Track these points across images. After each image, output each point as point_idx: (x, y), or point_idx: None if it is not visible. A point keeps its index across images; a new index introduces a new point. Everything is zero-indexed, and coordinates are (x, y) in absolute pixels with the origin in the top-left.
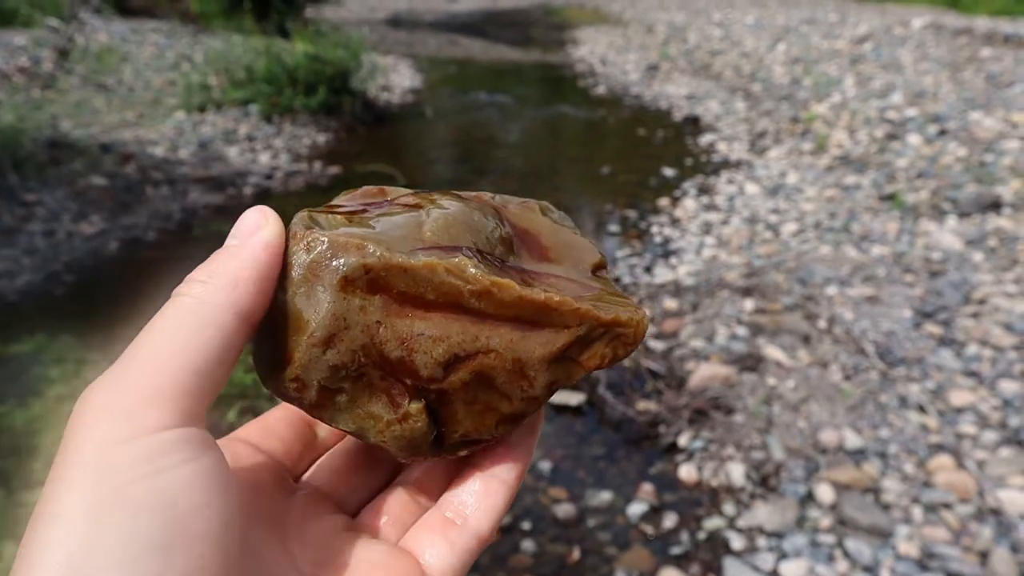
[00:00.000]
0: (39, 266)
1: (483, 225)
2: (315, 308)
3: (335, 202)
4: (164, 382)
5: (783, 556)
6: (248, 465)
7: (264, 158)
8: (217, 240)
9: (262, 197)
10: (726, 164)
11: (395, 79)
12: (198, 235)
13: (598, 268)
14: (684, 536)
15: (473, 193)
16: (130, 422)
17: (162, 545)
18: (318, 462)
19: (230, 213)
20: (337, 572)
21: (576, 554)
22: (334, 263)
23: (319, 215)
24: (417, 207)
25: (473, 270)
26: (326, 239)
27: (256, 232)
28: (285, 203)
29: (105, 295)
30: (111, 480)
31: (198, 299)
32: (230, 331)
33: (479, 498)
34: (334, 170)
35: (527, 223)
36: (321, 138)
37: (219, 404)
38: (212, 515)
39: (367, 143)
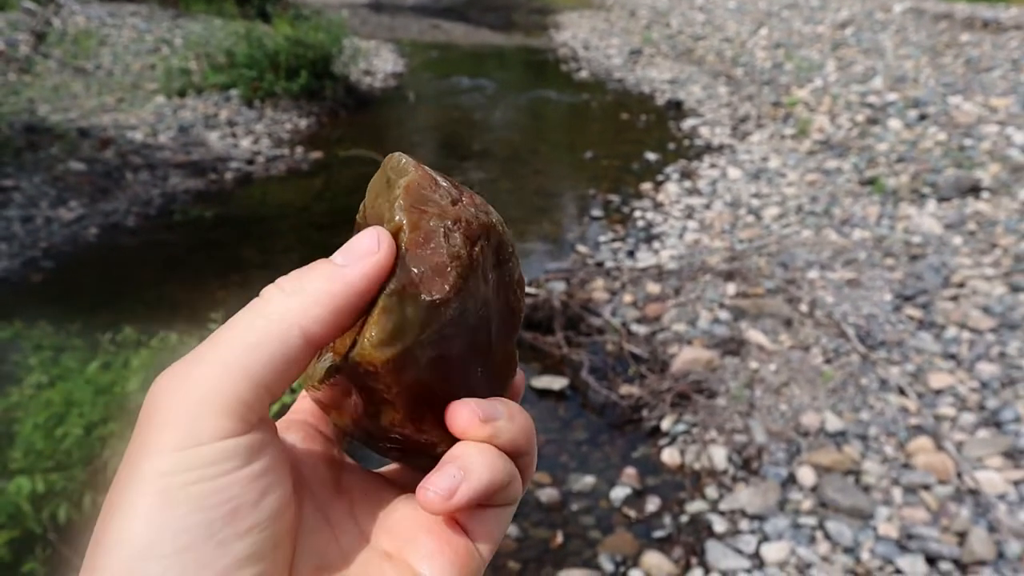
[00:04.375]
0: (17, 252)
1: None
2: None
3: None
4: (228, 391)
5: (765, 538)
6: (310, 445)
7: (245, 143)
8: (198, 226)
9: (244, 182)
10: (708, 148)
11: (377, 63)
12: (178, 220)
13: None
14: (667, 519)
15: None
16: (195, 429)
17: (219, 537)
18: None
19: (211, 198)
20: (401, 538)
21: (559, 538)
22: None
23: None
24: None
25: None
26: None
27: (365, 258)
28: (267, 188)
29: (84, 281)
30: (176, 480)
31: (275, 312)
32: (296, 350)
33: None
34: (316, 155)
35: None
36: (303, 123)
37: None
38: (265, 509)
39: (349, 127)
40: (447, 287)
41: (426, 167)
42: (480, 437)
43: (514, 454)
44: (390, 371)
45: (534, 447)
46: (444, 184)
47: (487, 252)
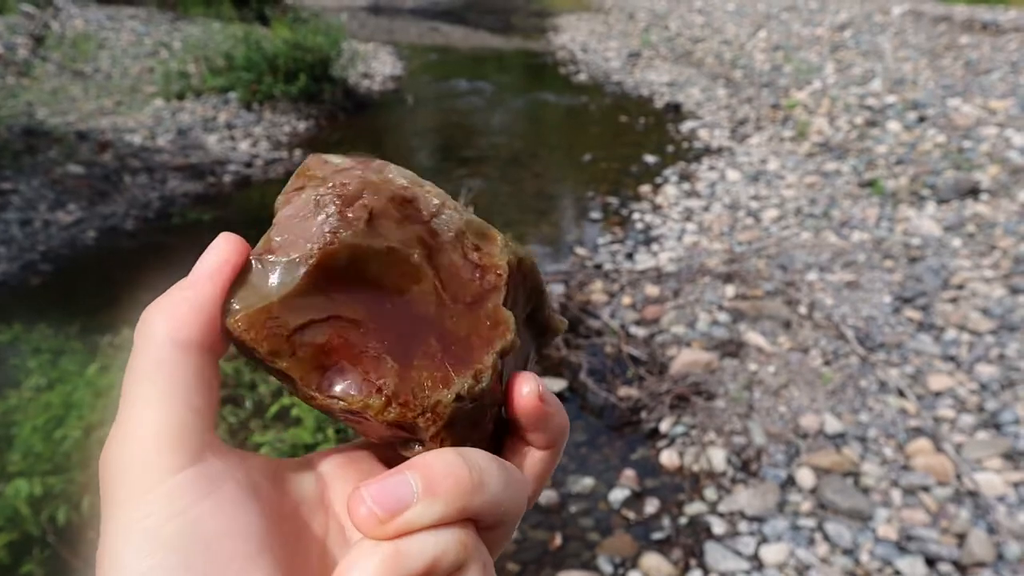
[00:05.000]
0: (15, 255)
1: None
2: None
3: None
4: (163, 430)
5: (764, 540)
6: (344, 461)
7: (244, 146)
8: (196, 229)
9: (242, 185)
10: (707, 151)
11: (376, 66)
12: (177, 223)
13: None
14: (666, 521)
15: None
16: (147, 473)
17: (201, 571)
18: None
19: (210, 201)
20: None
21: (558, 540)
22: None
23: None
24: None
25: None
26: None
27: (203, 261)
28: (265, 191)
29: (83, 284)
30: (145, 525)
31: (147, 336)
32: (197, 364)
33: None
34: None
35: None
36: (301, 126)
37: None
38: (239, 534)
39: (348, 130)
40: (311, 246)
41: (329, 155)
42: (387, 536)
43: (483, 520)
44: (256, 338)
45: (521, 507)
46: (336, 161)
47: (381, 209)
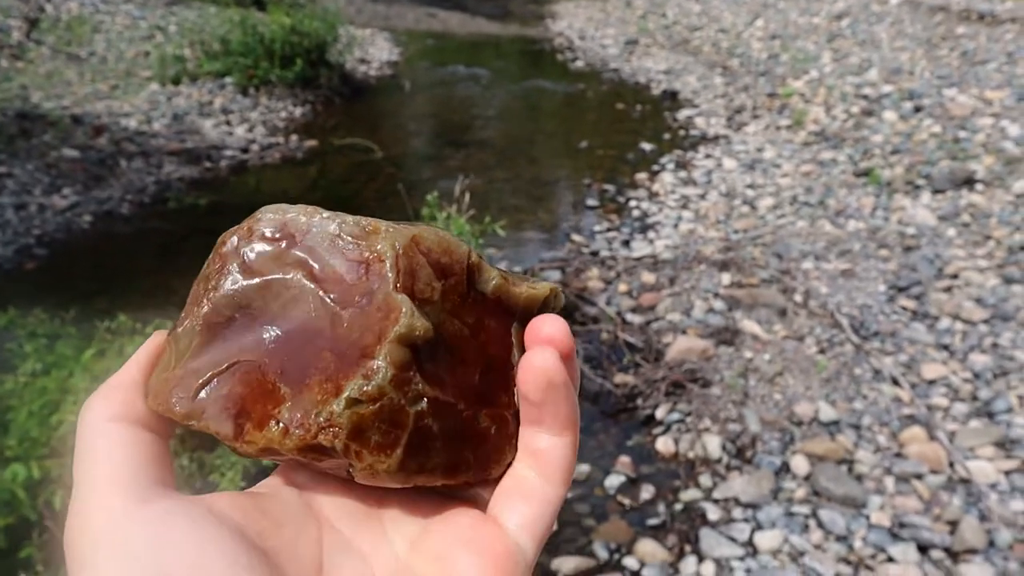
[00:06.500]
0: (10, 240)
1: None
2: None
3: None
4: (110, 485)
5: (758, 527)
6: (326, 480)
7: (240, 131)
8: (192, 213)
9: (238, 170)
10: (704, 139)
11: (373, 52)
12: (173, 208)
13: None
14: (661, 507)
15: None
16: (102, 525)
17: None
18: None
19: (206, 186)
20: (431, 546)
21: (554, 526)
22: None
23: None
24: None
25: None
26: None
27: (135, 353)
28: (261, 176)
29: (78, 269)
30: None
31: (90, 424)
32: (131, 434)
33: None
34: (311, 143)
35: None
36: (298, 111)
37: None
38: (207, 565)
39: (345, 116)
40: (197, 309)
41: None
42: None
43: None
44: (167, 408)
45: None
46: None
47: (256, 251)
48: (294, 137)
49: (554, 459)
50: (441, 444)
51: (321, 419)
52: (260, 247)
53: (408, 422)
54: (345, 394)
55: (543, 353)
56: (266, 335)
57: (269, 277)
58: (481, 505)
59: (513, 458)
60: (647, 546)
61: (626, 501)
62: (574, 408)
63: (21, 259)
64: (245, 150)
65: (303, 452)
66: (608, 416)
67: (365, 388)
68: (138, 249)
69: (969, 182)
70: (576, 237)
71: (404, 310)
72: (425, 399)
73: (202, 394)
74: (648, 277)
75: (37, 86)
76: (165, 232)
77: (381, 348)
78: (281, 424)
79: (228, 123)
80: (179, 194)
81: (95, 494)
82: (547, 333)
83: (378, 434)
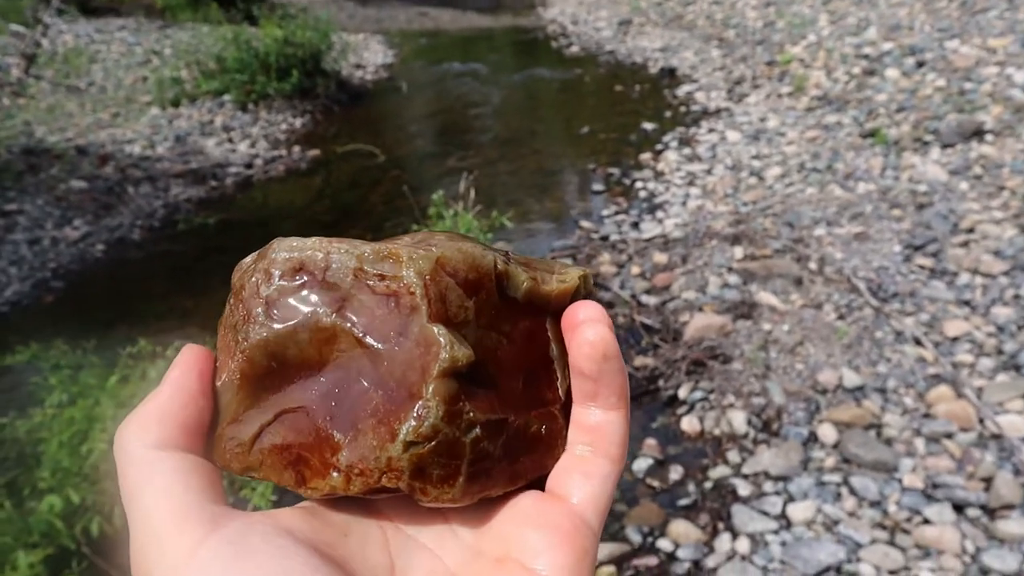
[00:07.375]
0: (26, 275)
1: None
2: None
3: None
4: (167, 516)
5: (790, 499)
6: None
7: (242, 147)
8: (203, 233)
9: (244, 186)
10: (705, 113)
11: (367, 56)
12: (183, 229)
13: None
14: (691, 487)
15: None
16: (171, 556)
17: None
18: None
19: (213, 205)
20: (498, 528)
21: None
22: None
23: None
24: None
25: None
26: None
27: (171, 371)
28: (268, 191)
29: (96, 298)
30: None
31: (129, 453)
32: (176, 459)
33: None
34: (313, 153)
35: None
36: (298, 122)
37: None
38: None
39: (345, 123)
40: (232, 362)
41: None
42: None
43: None
44: (228, 463)
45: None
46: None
47: (274, 294)
48: (296, 148)
49: (610, 433)
50: (499, 460)
51: (381, 464)
52: (282, 289)
53: (465, 451)
54: (400, 437)
55: (595, 327)
56: (308, 381)
57: (298, 321)
58: (537, 486)
59: (564, 448)
60: (680, 527)
61: (655, 483)
62: (626, 381)
63: (39, 293)
64: (249, 165)
65: (367, 494)
66: (631, 400)
67: (420, 430)
68: (152, 273)
69: (978, 133)
70: (585, 223)
71: (443, 343)
72: (478, 426)
73: (256, 447)
74: (660, 257)
75: (40, 121)
76: (177, 254)
77: (427, 385)
78: (342, 472)
79: (230, 140)
80: (188, 215)
81: (165, 526)
82: (583, 318)
83: (438, 468)
